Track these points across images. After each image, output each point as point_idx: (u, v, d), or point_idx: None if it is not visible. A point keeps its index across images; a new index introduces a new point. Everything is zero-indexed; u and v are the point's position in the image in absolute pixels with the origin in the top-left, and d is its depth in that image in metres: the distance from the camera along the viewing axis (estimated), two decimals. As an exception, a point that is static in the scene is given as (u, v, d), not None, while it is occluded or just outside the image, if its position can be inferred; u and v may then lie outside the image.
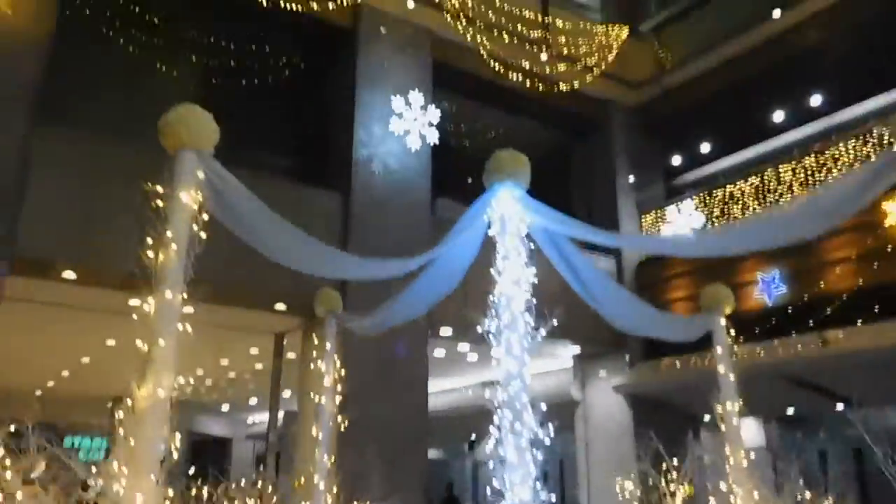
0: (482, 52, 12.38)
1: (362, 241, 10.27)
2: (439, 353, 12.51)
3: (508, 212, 4.51)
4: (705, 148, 14.37)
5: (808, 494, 5.37)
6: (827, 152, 10.88)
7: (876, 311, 9.54)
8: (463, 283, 5.09)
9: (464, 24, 12.16)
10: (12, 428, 3.51)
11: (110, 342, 12.81)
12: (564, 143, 15.30)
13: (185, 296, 3.29)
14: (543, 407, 4.25)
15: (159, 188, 3.24)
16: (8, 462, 3.30)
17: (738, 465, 5.08)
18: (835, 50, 11.73)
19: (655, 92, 14.26)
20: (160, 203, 3.22)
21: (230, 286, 8.79)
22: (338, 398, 5.72)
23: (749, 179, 11.94)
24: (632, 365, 12.83)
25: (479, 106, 13.68)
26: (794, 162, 11.37)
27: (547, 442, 4.14)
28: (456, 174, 13.25)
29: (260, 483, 5.63)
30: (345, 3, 11.27)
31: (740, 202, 11.90)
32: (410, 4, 11.81)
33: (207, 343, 13.09)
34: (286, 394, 12.03)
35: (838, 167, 10.55)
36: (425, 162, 11.44)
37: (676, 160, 14.74)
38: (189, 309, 9.93)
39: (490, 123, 13.81)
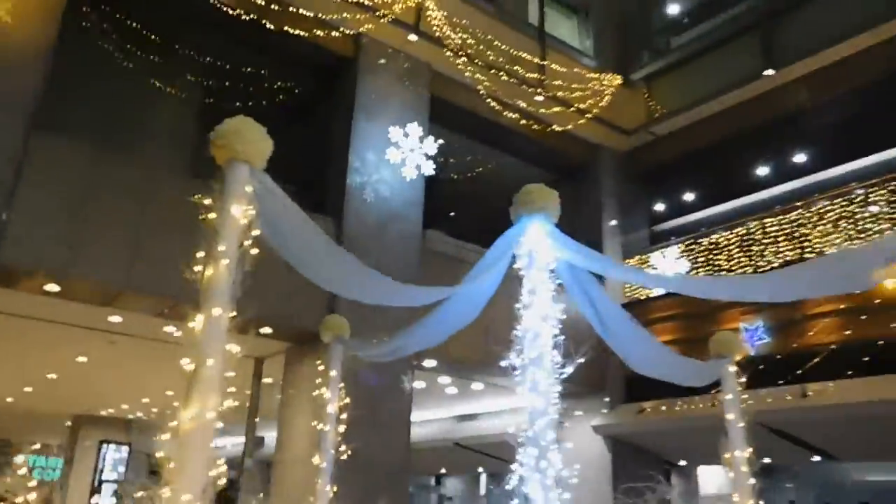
0: (480, 89, 12.52)
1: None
2: (419, 384, 12.39)
3: (537, 246, 4.50)
4: (690, 197, 14.66)
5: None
6: (813, 208, 11.14)
7: (859, 366, 9.71)
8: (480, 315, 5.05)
9: (464, 61, 12.31)
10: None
11: (81, 359, 12.44)
12: (551, 182, 15.38)
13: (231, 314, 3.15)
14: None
15: (208, 200, 3.14)
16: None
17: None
18: (822, 112, 12.11)
19: (644, 139, 14.54)
20: (210, 216, 3.11)
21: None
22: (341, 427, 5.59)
23: (734, 230, 12.16)
24: (612, 407, 12.85)
25: (470, 141, 13.78)
26: (779, 215, 11.62)
27: (574, 481, 4.08)
28: (442, 207, 13.30)
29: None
30: (348, 33, 11.36)
31: (725, 251, 12.11)
32: (412, 38, 11.94)
33: (180, 365, 12.78)
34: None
35: (824, 222, 10.80)
36: (419, 192, 11.45)
37: (661, 207, 15.00)
38: (171, 329, 9.60)
39: (479, 159, 13.92)
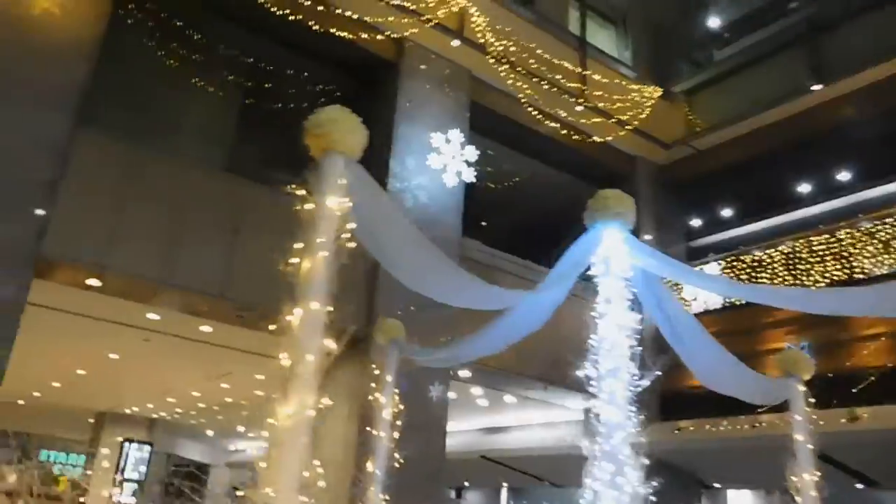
0: (521, 97, 12.40)
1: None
2: (450, 395, 12.23)
3: (613, 253, 4.35)
4: (728, 212, 14.42)
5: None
6: (861, 227, 10.88)
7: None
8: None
9: (506, 68, 12.21)
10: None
11: (113, 356, 12.40)
12: (588, 192, 15.26)
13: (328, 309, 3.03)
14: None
15: (302, 192, 3.02)
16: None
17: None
18: (866, 128, 11.85)
19: (683, 153, 14.32)
20: (306, 207, 2.99)
21: (260, 306, 8.56)
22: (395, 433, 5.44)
23: (779, 247, 11.89)
24: (646, 425, 12.58)
25: (507, 149, 13.65)
26: (826, 234, 11.35)
27: (653, 499, 3.91)
28: (476, 215, 13.15)
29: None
30: (392, 36, 11.30)
31: (769, 269, 11.84)
32: (455, 43, 11.85)
33: (211, 364, 12.71)
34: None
35: (875, 242, 10.54)
36: (458, 199, 11.31)
37: (698, 222, 14.76)
38: (207, 328, 9.45)
39: (515, 167, 13.79)
